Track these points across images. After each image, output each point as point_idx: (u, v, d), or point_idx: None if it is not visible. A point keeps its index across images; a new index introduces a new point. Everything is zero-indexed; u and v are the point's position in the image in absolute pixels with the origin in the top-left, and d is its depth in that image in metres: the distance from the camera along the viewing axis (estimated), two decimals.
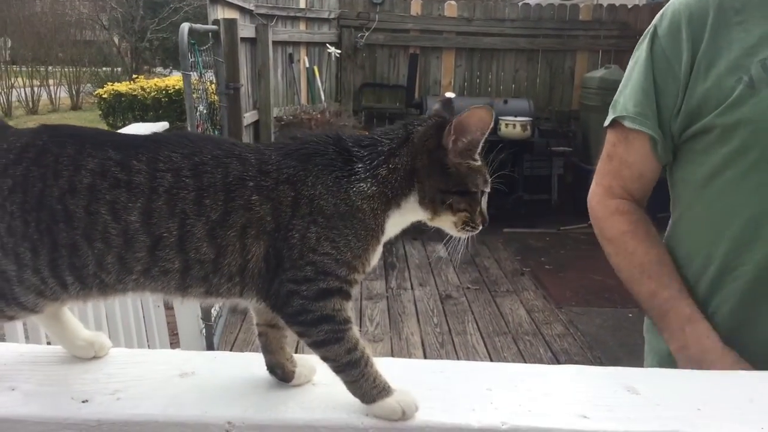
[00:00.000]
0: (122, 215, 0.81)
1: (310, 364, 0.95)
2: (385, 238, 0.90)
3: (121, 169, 0.82)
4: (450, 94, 7.88)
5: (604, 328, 4.70)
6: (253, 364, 0.97)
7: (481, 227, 0.90)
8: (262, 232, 0.83)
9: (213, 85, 5.18)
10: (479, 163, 0.88)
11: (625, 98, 1.37)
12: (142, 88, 10.55)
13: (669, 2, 1.35)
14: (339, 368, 0.86)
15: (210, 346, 3.88)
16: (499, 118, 6.86)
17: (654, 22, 1.35)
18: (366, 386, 0.86)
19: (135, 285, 0.85)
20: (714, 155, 1.27)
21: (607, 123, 1.41)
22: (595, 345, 4.41)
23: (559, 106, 8.17)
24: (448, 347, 4.37)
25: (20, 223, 0.81)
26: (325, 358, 0.87)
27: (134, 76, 14.54)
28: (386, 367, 0.89)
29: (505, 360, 4.18)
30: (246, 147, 0.88)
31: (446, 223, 0.90)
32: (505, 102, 7.53)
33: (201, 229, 0.82)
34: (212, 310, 4.08)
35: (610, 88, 6.08)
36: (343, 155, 0.86)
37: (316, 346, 0.86)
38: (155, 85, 10.68)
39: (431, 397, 0.92)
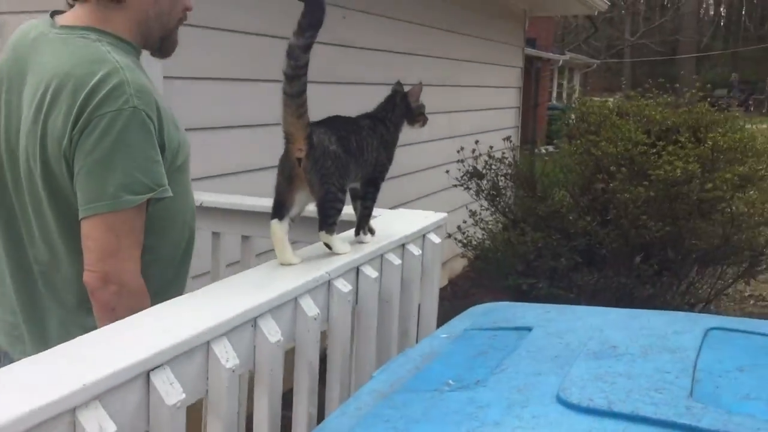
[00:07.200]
0: (369, 145, 1.65)
1: None
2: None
3: (369, 126, 1.68)
4: None
5: None
6: None
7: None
8: None
9: None
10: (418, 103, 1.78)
11: (156, 174, 1.37)
12: None
13: (124, 82, 1.34)
14: None
15: None
16: None
17: (129, 103, 1.33)
18: None
19: (353, 177, 1.64)
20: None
21: (136, 203, 1.34)
22: None
23: None
24: None
25: (350, 157, 1.59)
26: None
27: None
28: None
29: None
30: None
31: (417, 124, 1.76)
32: None
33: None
34: None
35: None
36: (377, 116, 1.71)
37: None
38: None
39: None
